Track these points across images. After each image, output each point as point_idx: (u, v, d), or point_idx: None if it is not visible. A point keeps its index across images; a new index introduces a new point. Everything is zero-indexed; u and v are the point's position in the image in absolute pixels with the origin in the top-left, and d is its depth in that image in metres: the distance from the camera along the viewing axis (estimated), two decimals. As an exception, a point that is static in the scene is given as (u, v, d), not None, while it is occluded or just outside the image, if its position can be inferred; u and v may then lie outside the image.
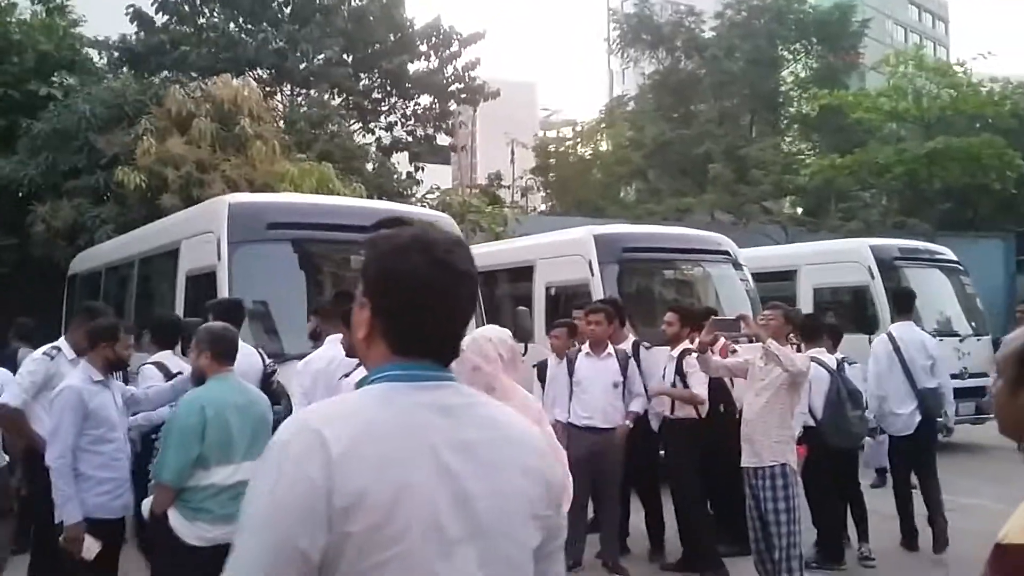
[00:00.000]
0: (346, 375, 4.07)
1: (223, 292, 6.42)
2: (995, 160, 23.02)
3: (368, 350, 1.48)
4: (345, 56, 23.26)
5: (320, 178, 12.88)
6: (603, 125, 33.33)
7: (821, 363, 6.21)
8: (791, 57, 35.21)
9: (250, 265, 6.51)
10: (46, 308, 10.98)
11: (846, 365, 6.36)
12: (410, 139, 25.30)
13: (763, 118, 32.95)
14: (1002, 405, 1.65)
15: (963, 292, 12.09)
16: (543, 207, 32.35)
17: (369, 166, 18.50)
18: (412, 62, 23.18)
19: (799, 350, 6.14)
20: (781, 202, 29.86)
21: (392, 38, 23.07)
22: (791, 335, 6.45)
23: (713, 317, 5.71)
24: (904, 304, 7.47)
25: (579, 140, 30.95)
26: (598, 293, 8.93)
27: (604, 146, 32.52)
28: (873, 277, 11.25)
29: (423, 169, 25.06)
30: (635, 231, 10.17)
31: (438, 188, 18.71)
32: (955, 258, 12.53)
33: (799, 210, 30.13)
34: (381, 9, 22.18)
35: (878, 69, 26.74)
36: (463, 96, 24.59)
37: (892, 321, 7.48)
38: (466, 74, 23.97)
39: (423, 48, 23.65)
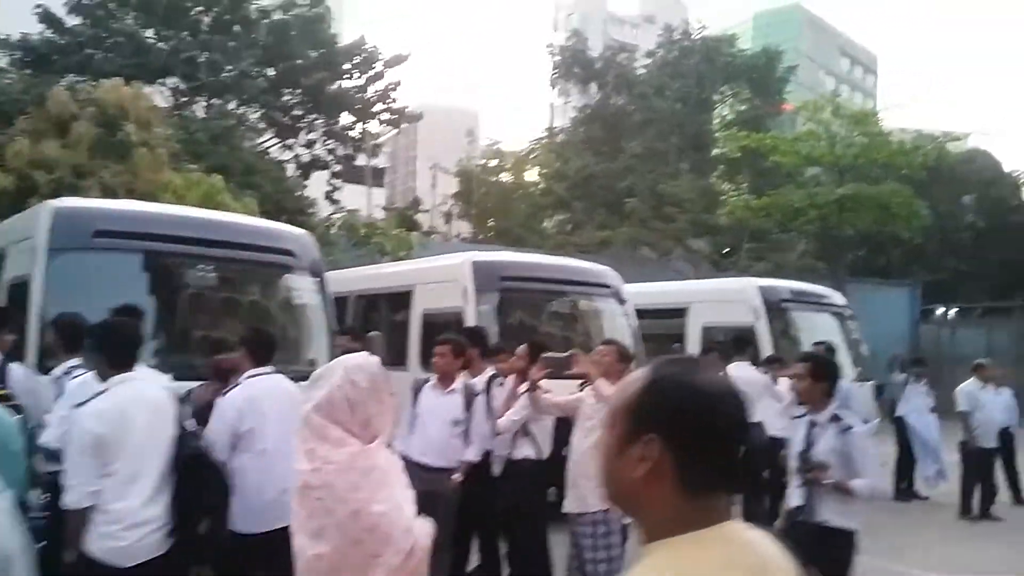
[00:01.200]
0: (78, 404, 3.64)
1: (37, 301, 5.97)
2: (903, 209, 23.57)
3: None
4: (267, 70, 22.84)
5: (208, 191, 12.41)
6: (532, 155, 33.36)
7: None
8: (720, 99, 35.85)
9: (71, 274, 6.05)
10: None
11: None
12: (331, 158, 24.94)
13: (689, 157, 33.36)
14: (607, 465, 1.38)
15: (849, 337, 12.15)
16: (467, 234, 32.13)
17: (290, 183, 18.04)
18: (334, 81, 22.83)
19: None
20: (705, 240, 30.24)
21: (314, 55, 22.71)
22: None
23: (543, 354, 5.46)
24: (740, 346, 8.44)
25: (503, 168, 30.91)
26: (472, 322, 8.65)
27: (531, 176, 32.53)
28: (758, 318, 11.20)
29: (341, 189, 24.70)
30: (516, 260, 9.93)
31: (343, 209, 18.29)
32: (843, 302, 12.61)
33: (726, 250, 30.49)
34: (304, 24, 21.81)
35: (798, 114, 27.33)
36: (385, 118, 24.34)
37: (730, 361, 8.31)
38: (388, 95, 23.72)
39: (347, 67, 23.36)
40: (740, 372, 8.16)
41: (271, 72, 22.90)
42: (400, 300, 9.94)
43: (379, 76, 23.61)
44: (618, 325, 9.95)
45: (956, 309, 31.55)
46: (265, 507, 4.40)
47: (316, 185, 23.13)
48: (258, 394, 4.75)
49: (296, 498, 2.83)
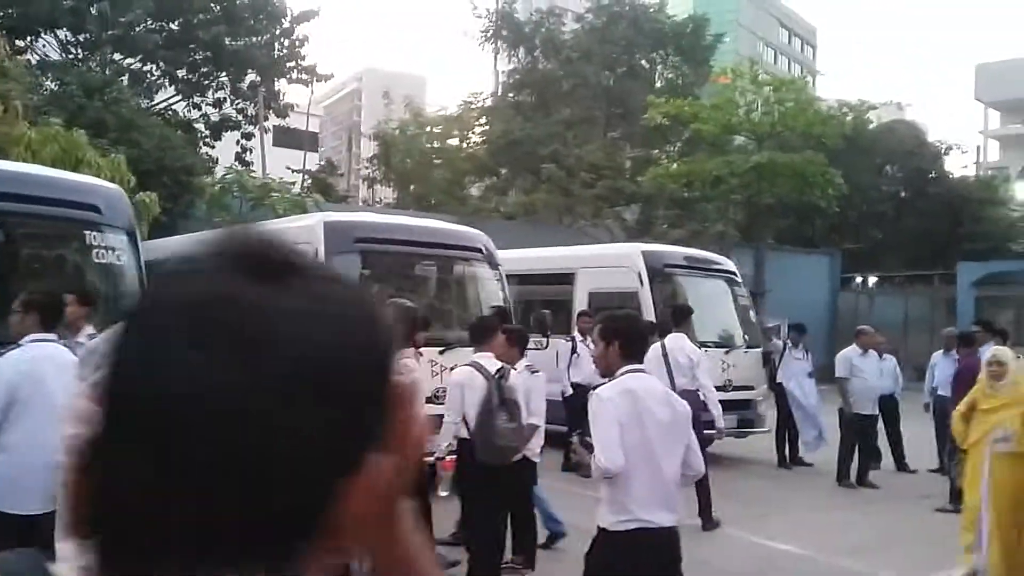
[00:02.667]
0: None
1: None
2: (819, 178, 23.54)
3: None
4: (169, 25, 21.83)
5: (67, 145, 11.62)
6: (456, 120, 32.64)
7: (481, 369, 5.62)
8: (648, 66, 35.43)
9: None
10: None
11: (511, 372, 5.76)
12: (240, 118, 24.05)
13: (615, 124, 33.00)
14: None
15: (736, 303, 11.93)
16: (391, 200, 31.43)
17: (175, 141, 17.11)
18: (239, 37, 21.84)
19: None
20: (634, 207, 29.97)
21: (216, 8, 21.71)
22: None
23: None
24: (679, 318, 8.68)
25: (427, 133, 30.13)
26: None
27: (454, 141, 31.82)
28: (642, 283, 10.90)
29: (251, 151, 23.86)
30: (374, 220, 9.42)
31: (235, 168, 17.52)
32: (732, 268, 12.36)
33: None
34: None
35: (718, 82, 27.07)
36: (294, 76, 23.48)
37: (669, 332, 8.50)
38: (297, 53, 22.86)
39: (253, 23, 22.39)
40: (678, 343, 8.37)
41: (175, 27, 21.90)
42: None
43: (288, 32, 22.72)
44: (489, 290, 9.56)
45: (876, 278, 31.97)
46: (37, 486, 4.07)
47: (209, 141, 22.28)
48: (40, 360, 4.42)
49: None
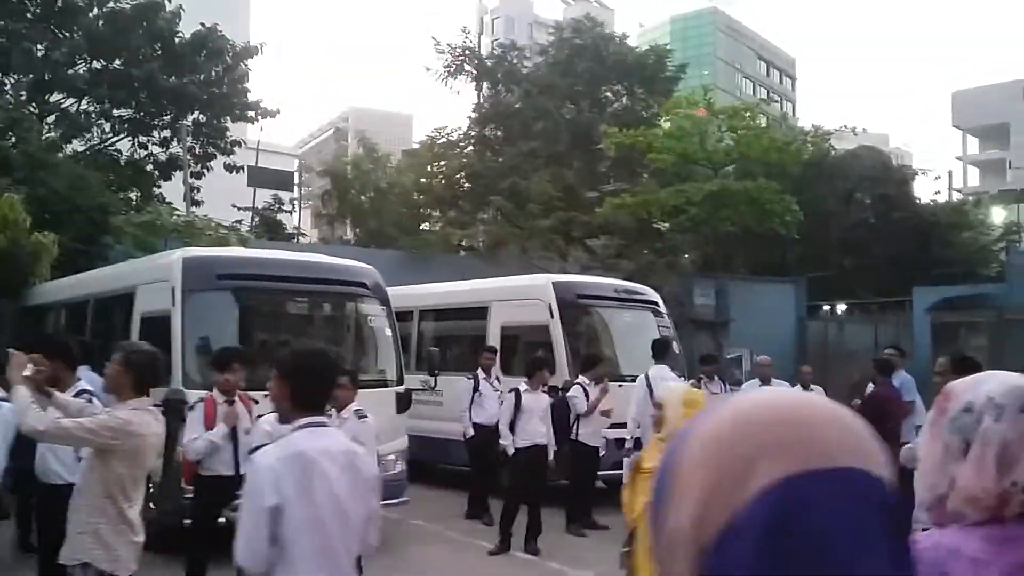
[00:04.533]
0: None
1: None
2: (776, 205, 23.14)
3: None
4: (110, 64, 21.47)
5: (-49, 186, 11.12)
6: (413, 156, 32.32)
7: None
8: (613, 98, 35.18)
9: None
10: None
11: (355, 418, 5.19)
12: (189, 156, 23.57)
13: (579, 157, 32.66)
14: None
15: (655, 334, 11.34)
16: (349, 235, 30.90)
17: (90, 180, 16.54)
18: (179, 75, 21.41)
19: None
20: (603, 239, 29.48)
21: (156, 47, 21.34)
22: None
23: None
24: (659, 350, 9.11)
25: (379, 167, 29.68)
26: (178, 326, 7.61)
27: (411, 176, 31.40)
28: (552, 316, 10.33)
29: (199, 190, 23.39)
30: (241, 255, 8.87)
31: (153, 208, 17.00)
32: (654, 298, 11.79)
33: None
34: (137, 13, 20.37)
35: (672, 112, 26.68)
36: (239, 113, 23.07)
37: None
38: (240, 89, 22.47)
39: (193, 60, 22.00)
40: (660, 374, 8.64)
41: (118, 65, 21.51)
42: (121, 303, 8.83)
43: (231, 69, 22.35)
44: (374, 327, 8.99)
45: (845, 305, 31.42)
46: None
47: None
48: None
49: None
